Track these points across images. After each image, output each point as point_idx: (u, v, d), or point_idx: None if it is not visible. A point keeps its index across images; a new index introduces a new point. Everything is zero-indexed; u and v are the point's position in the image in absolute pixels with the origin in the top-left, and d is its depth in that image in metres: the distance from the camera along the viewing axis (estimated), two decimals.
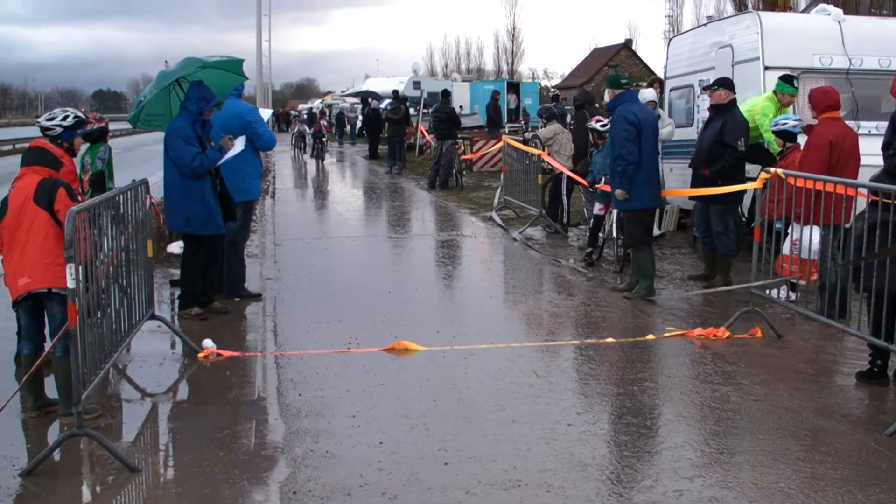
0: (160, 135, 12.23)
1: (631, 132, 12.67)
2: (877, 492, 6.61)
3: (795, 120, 12.93)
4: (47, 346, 8.25)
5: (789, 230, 11.34)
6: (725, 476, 6.87)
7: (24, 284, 8.04)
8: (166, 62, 13.08)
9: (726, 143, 13.23)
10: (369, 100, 50.45)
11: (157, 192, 11.73)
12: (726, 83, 13.70)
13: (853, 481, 6.80)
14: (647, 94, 16.32)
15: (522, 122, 49.53)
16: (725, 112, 13.47)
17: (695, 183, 13.80)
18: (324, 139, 44.84)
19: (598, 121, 15.72)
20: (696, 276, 14.44)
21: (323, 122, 47.93)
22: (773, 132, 13.04)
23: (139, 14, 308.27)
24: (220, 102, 12.02)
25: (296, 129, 49.96)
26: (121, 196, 9.29)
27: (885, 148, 10.21)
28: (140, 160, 38.60)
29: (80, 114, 9.12)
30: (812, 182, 10.35)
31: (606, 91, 13.46)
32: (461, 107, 50.05)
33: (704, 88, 14.44)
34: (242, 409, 8.62)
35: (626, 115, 12.77)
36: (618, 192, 12.99)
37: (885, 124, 10.83)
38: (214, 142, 11.77)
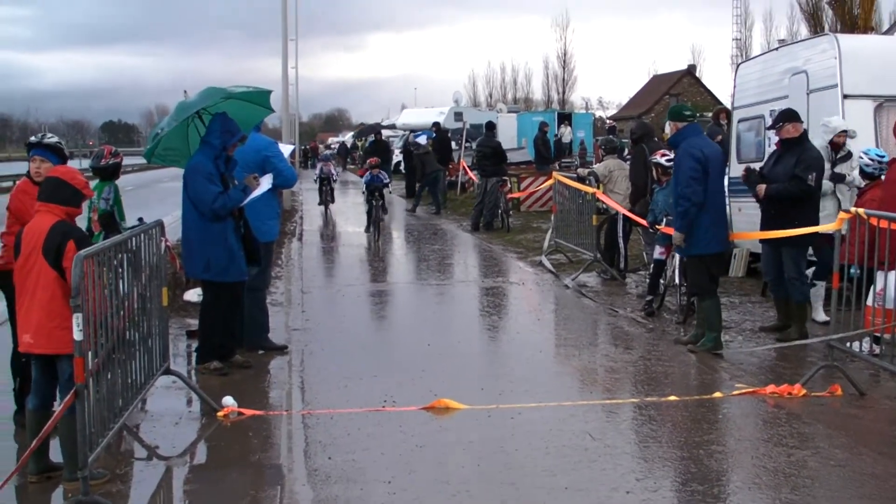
0: (177, 170, 12.31)
1: (697, 170, 12.63)
2: None
3: (876, 157, 12.87)
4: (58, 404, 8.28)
5: (874, 278, 11.24)
6: None
7: (28, 344, 8.10)
8: (185, 92, 13.22)
9: (796, 175, 13.13)
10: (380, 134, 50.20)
11: (172, 233, 11.82)
12: (791, 116, 13.59)
13: None
14: (836, 122, 15.54)
15: (578, 158, 49.48)
16: (798, 145, 13.38)
17: (765, 224, 13.69)
18: (333, 179, 38.33)
19: (663, 155, 15.63)
20: (768, 327, 14.34)
21: (331, 163, 40.51)
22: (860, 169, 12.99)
23: (155, 39, 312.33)
24: (245, 137, 12.09)
25: (318, 170, 39.04)
26: (133, 239, 9.36)
27: None
28: (155, 198, 38.92)
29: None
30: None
31: (668, 124, 13.43)
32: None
33: (768, 128, 14.34)
34: (266, 473, 8.63)
35: (692, 152, 12.73)
36: (675, 235, 12.96)
37: None
38: (238, 180, 11.83)
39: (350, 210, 34.77)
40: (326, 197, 37.46)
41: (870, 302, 11.35)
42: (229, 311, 12.04)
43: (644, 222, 16.60)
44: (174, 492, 8.39)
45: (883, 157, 12.92)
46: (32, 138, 10.84)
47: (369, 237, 27.40)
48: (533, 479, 8.24)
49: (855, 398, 10.73)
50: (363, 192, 28.97)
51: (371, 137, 49.58)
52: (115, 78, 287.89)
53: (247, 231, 12.04)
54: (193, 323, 13.55)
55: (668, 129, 13.39)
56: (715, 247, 13.04)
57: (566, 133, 55.69)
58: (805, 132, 13.57)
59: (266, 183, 12.05)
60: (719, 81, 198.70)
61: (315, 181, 38.88)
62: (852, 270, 11.09)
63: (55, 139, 10.18)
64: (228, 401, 10.36)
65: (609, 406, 10.59)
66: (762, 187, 13.24)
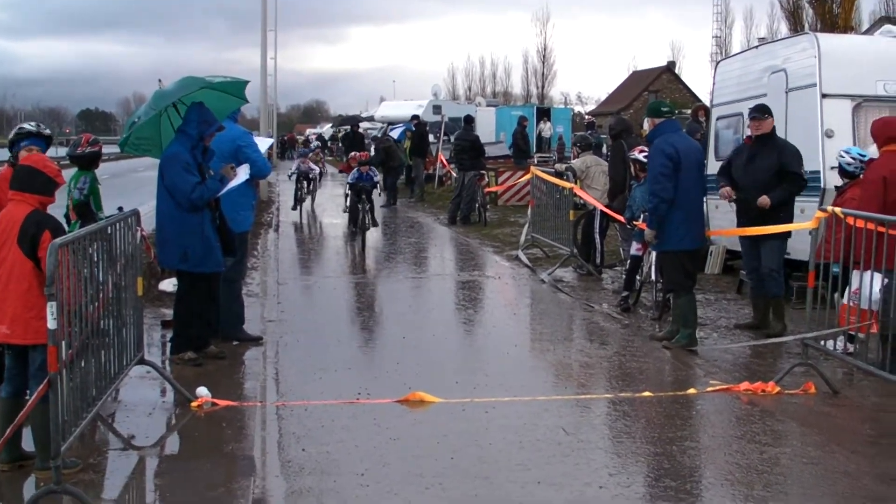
0: (152, 160, 12.28)
1: (667, 167, 12.65)
2: None
3: (857, 156, 12.93)
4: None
5: (850, 278, 11.29)
6: None
7: (4, 335, 8.06)
8: (160, 81, 13.14)
9: (791, 171, 13.17)
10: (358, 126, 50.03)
11: (148, 223, 11.79)
12: (769, 109, 13.68)
13: None
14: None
15: (555, 153, 49.48)
16: (773, 140, 13.43)
17: (743, 221, 13.72)
18: (311, 177, 33.92)
19: (640, 151, 15.66)
20: (744, 324, 14.38)
21: (310, 157, 36.72)
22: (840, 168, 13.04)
23: (134, 27, 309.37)
24: (222, 127, 12.06)
25: (294, 167, 34.40)
26: (109, 228, 9.34)
27: None
28: (131, 187, 38.80)
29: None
30: (874, 224, 10.31)
31: (646, 120, 13.48)
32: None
33: (751, 117, 14.40)
34: (239, 464, 8.64)
35: (663, 148, 12.75)
36: (647, 231, 13.02)
37: None
38: (215, 170, 11.80)
39: (327, 202, 34.72)
40: (303, 195, 32.65)
41: (845, 300, 11.40)
42: (204, 301, 12.01)
43: (621, 218, 16.65)
44: (147, 482, 8.39)
45: (864, 156, 12.97)
46: (28, 126, 10.86)
47: (352, 247, 24.15)
48: (507, 473, 8.26)
49: (828, 396, 10.78)
50: (346, 194, 25.30)
51: (347, 129, 49.29)
52: (94, 66, 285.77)
53: (222, 222, 12.03)
54: (168, 313, 13.54)
55: (646, 125, 13.44)
56: (688, 244, 13.06)
57: (546, 129, 55.72)
58: (774, 127, 13.62)
59: (243, 173, 12.03)
60: (699, 78, 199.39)
61: (290, 178, 34.12)
62: (835, 269, 11.13)
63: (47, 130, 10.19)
64: (202, 391, 10.34)
65: (583, 401, 10.62)
66: (764, 200, 13.23)
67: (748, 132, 15.05)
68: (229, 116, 12.84)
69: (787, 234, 13.47)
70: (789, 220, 13.23)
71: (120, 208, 11.46)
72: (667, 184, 12.64)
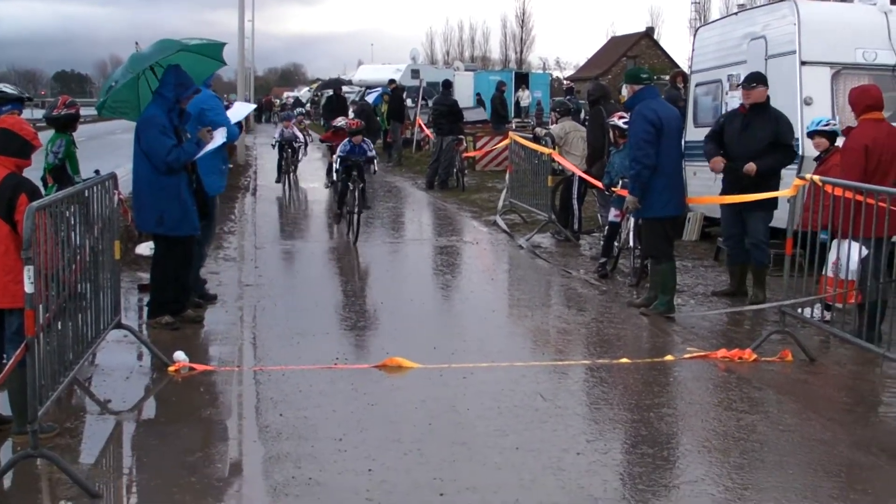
0: (129, 123, 12.22)
1: (650, 133, 12.63)
2: None
3: (832, 121, 12.97)
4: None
5: (829, 247, 11.31)
6: None
7: None
8: (137, 44, 13.03)
9: (784, 143, 13.18)
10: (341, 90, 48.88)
11: (125, 186, 11.74)
12: (764, 79, 13.63)
13: None
14: None
15: (534, 118, 49.42)
16: (767, 111, 13.40)
17: (732, 189, 13.69)
18: (296, 145, 30.64)
19: (620, 117, 15.63)
20: (721, 291, 14.41)
21: (293, 122, 32.53)
22: (810, 133, 13.03)
23: None
24: (199, 89, 12.00)
25: (277, 133, 30.91)
26: (87, 192, 9.29)
27: None
28: (107, 150, 38.57)
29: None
30: (852, 192, 10.33)
31: (625, 86, 13.45)
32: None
33: (738, 85, 14.38)
34: (217, 429, 8.64)
35: (646, 114, 12.73)
36: (629, 198, 12.99)
37: None
38: (191, 133, 11.75)
39: (303, 166, 34.55)
40: (287, 165, 29.50)
41: (828, 272, 11.42)
42: (181, 265, 11.98)
43: (599, 184, 16.63)
44: (124, 446, 8.38)
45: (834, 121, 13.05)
46: (9, 90, 10.81)
47: (342, 241, 19.76)
48: (484, 439, 8.28)
49: (805, 364, 10.83)
50: (335, 168, 20.10)
51: (329, 92, 48.78)
52: (69, 27, 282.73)
53: (198, 185, 12.00)
54: (145, 276, 13.50)
55: (626, 91, 13.41)
56: (671, 210, 13.07)
57: (524, 97, 55.64)
58: (768, 97, 13.59)
59: (220, 136, 11.99)
60: (677, 44, 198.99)
61: (273, 146, 30.29)
62: (822, 236, 11.14)
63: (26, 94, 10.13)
64: (180, 356, 10.32)
65: (561, 367, 10.64)
66: (751, 166, 13.21)
67: (734, 99, 15.06)
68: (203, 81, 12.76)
69: (774, 205, 13.47)
70: (775, 188, 13.24)
71: (97, 171, 11.41)
72: (649, 150, 12.62)
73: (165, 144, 11.31)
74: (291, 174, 30.31)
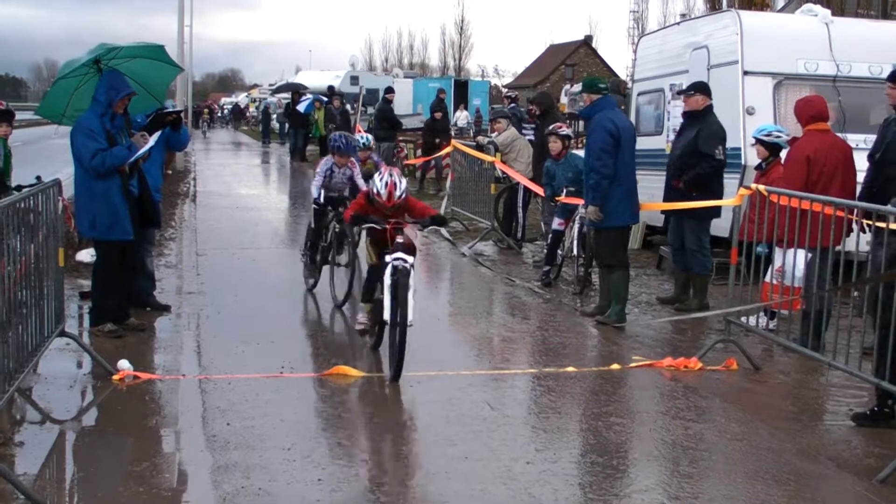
0: (65, 128, 12.13)
1: (609, 143, 12.67)
2: None
3: (778, 132, 13.09)
4: None
5: (773, 256, 11.42)
6: None
7: None
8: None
9: (702, 152, 13.34)
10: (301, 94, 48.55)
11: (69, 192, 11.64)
12: (702, 88, 13.81)
13: None
14: None
15: (473, 125, 49.43)
16: (700, 119, 13.58)
17: (668, 196, 13.85)
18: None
19: (560, 127, 15.79)
20: (665, 298, 14.52)
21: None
22: (757, 142, 13.15)
23: None
24: (134, 93, 11.89)
25: (320, 177, 14.22)
26: (31, 198, 9.19)
27: (869, 158, 10.47)
28: (45, 155, 38.12)
29: None
30: (798, 201, 10.42)
31: (583, 96, 13.50)
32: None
33: (679, 93, 14.55)
34: (163, 439, 8.54)
35: (605, 125, 12.77)
36: (590, 209, 12.98)
37: (874, 137, 11.06)
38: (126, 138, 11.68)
39: (243, 171, 34.34)
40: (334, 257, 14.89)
41: (768, 278, 11.53)
42: (120, 271, 11.84)
43: (542, 191, 16.65)
44: (69, 457, 8.27)
45: (781, 131, 13.15)
46: None
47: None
48: (433, 448, 8.27)
49: (750, 372, 10.91)
50: (314, 206, 14.44)
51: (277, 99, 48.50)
52: (3, 29, 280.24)
53: (145, 191, 11.91)
54: (86, 284, 13.35)
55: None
56: (629, 218, 13.18)
57: (462, 118, 54.50)
58: (710, 106, 13.72)
59: (152, 141, 11.90)
60: (615, 53, 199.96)
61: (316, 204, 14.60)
62: (759, 248, 11.25)
63: None
64: (124, 364, 10.21)
65: (507, 376, 10.66)
66: (676, 184, 13.40)
67: (676, 108, 15.20)
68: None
69: (709, 214, 13.60)
70: (715, 196, 13.36)
71: (38, 178, 11.29)
72: (608, 160, 12.66)
73: (90, 148, 11.20)
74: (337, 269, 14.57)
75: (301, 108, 43.19)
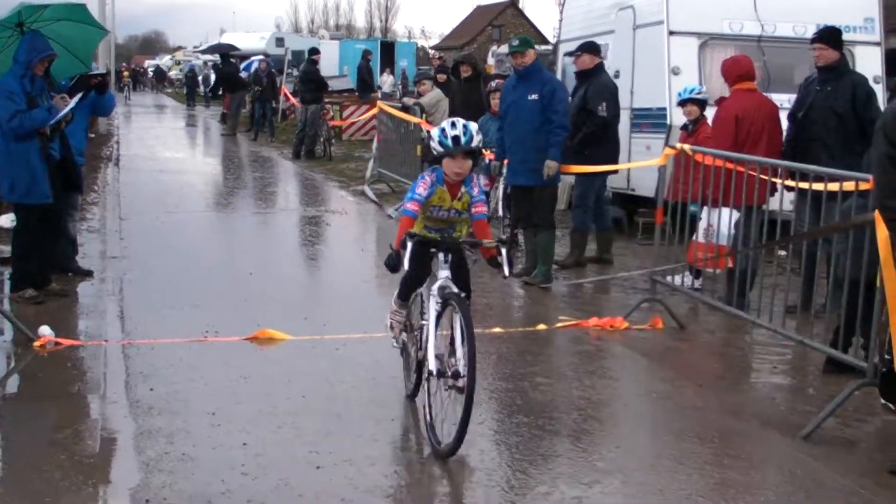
0: None
1: (568, 102, 13.24)
2: (791, 499, 6.73)
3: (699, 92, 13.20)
4: None
5: (699, 215, 11.50)
6: (626, 481, 6.92)
7: None
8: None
9: (588, 109, 13.51)
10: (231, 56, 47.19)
11: None
12: (591, 48, 14.12)
13: (765, 487, 6.92)
14: None
15: (400, 87, 49.26)
16: (587, 78, 13.79)
17: (566, 156, 13.87)
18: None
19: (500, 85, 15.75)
20: (590, 258, 14.57)
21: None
22: (682, 102, 13.22)
23: None
24: (55, 54, 11.71)
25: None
26: None
27: (790, 118, 10.59)
28: None
29: None
30: (723, 160, 10.48)
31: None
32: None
33: (567, 54, 14.68)
34: (86, 405, 8.46)
35: (563, 86, 13.28)
36: (553, 164, 12.67)
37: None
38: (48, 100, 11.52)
39: (168, 134, 34.06)
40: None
41: (695, 237, 11.59)
42: (41, 236, 11.69)
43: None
44: None
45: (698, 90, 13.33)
46: None
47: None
48: (361, 410, 8.22)
49: (675, 331, 10.98)
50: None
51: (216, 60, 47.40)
52: None
53: (67, 154, 11.77)
54: (6, 249, 13.16)
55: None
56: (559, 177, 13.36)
57: (388, 83, 54.19)
58: (601, 64, 13.93)
59: (72, 103, 11.74)
60: (542, 14, 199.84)
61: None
62: (692, 208, 11.29)
63: None
64: (45, 330, 10.06)
65: None
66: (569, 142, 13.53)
67: None
68: None
69: (595, 174, 13.84)
70: (604, 158, 13.58)
71: None
72: (567, 119, 12.93)
73: (7, 109, 11.03)
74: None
75: (246, 72, 42.16)
